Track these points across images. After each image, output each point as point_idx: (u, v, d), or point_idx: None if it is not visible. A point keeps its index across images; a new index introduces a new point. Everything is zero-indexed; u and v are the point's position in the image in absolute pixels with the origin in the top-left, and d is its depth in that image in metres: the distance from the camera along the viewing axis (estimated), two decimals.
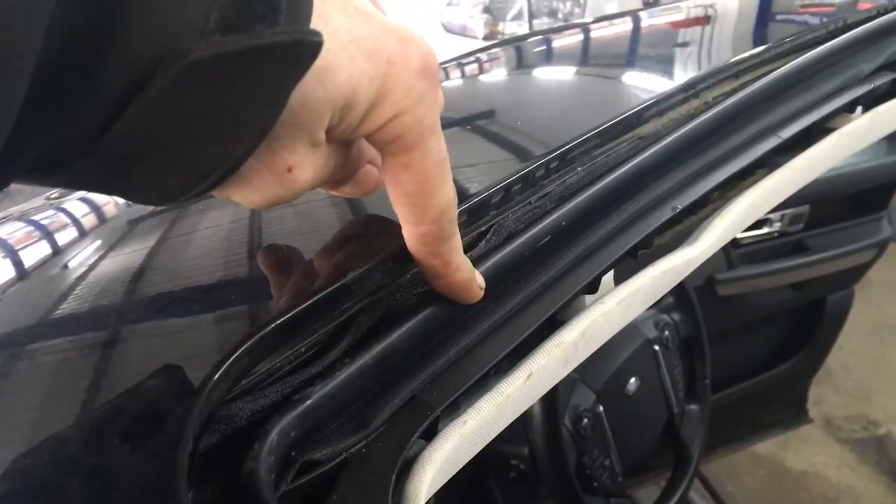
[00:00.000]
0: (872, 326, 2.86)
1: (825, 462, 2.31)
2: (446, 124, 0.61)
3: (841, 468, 2.29)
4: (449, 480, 0.41)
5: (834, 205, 1.71)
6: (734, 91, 0.62)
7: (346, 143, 0.36)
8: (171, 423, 0.30)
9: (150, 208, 0.55)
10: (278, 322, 0.34)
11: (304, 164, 0.32)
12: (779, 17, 0.97)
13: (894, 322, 2.93)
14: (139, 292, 0.43)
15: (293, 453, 0.34)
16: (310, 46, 0.26)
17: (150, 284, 0.43)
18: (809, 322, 1.86)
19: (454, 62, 0.82)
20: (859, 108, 0.73)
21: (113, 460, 0.29)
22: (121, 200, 0.59)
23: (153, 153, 0.26)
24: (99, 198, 0.59)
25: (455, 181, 0.36)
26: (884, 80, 0.73)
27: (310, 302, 0.36)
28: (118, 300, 0.42)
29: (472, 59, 0.85)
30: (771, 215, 1.62)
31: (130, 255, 0.48)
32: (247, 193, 0.32)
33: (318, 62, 0.27)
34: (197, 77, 0.24)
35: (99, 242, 0.52)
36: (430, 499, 0.39)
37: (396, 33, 0.31)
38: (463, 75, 0.80)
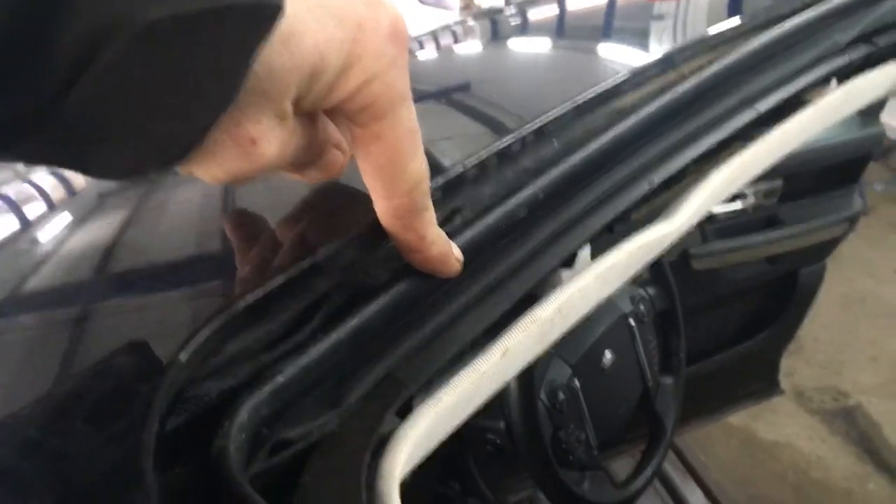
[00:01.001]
0: (843, 299, 2.90)
1: (796, 433, 2.34)
2: (421, 98, 0.60)
3: (812, 439, 2.33)
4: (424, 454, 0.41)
5: (807, 179, 1.72)
6: (711, 63, 0.61)
7: (313, 122, 0.35)
8: (136, 402, 0.29)
9: (120, 182, 0.53)
10: (247, 299, 0.33)
11: (269, 136, 0.31)
12: None
13: (865, 295, 2.97)
14: (105, 268, 0.41)
15: (264, 431, 0.33)
16: (270, 8, 0.25)
17: (117, 260, 0.42)
18: (782, 295, 1.88)
19: (429, 35, 0.81)
20: (834, 81, 0.73)
21: (76, 442, 0.28)
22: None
23: (111, 125, 0.25)
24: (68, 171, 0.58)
25: (429, 155, 0.36)
26: (859, 52, 0.73)
27: (281, 279, 0.35)
28: (83, 276, 0.41)
29: (447, 31, 0.83)
30: (745, 189, 1.62)
31: (97, 230, 0.47)
32: (209, 168, 0.31)
33: (284, 27, 0.26)
34: (153, 42, 0.23)
35: (65, 217, 0.51)
36: (405, 475, 0.38)
37: None
38: (438, 48, 0.79)
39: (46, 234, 0.48)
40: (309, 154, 0.36)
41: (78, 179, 0.57)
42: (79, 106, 0.23)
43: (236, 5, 0.24)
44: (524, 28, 0.86)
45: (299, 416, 0.35)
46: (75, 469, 0.27)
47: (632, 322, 1.20)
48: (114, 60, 0.22)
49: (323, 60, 0.29)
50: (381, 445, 0.36)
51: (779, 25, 0.66)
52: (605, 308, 1.17)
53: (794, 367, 2.52)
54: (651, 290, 1.28)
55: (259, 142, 0.30)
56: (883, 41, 0.76)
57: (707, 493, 1.89)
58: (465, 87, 0.62)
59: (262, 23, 0.25)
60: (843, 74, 0.73)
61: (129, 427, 0.28)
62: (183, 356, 0.30)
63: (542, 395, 1.06)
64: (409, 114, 0.33)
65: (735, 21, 0.68)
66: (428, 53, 0.75)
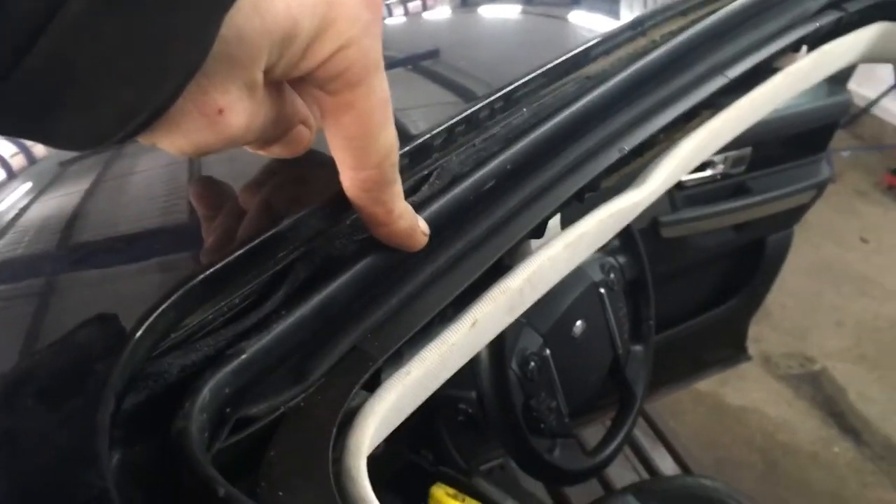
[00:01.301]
0: (810, 266, 2.94)
1: (763, 398, 2.38)
2: (389, 65, 0.59)
3: (778, 403, 2.37)
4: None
5: (775, 146, 1.73)
6: (682, 29, 0.61)
7: (281, 95, 0.34)
8: (91, 381, 0.28)
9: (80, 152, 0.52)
10: (208, 272, 0.32)
11: (237, 107, 0.29)
12: None
13: (831, 262, 3.01)
14: (63, 241, 0.40)
15: (227, 410, 0.32)
16: None
17: (76, 232, 0.41)
18: (750, 263, 1.90)
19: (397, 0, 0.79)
20: (804, 48, 0.73)
21: (28, 422, 0.27)
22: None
23: (71, 91, 0.24)
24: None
25: (397, 123, 0.35)
26: (829, 18, 0.73)
27: (242, 251, 0.34)
28: (38, 249, 0.39)
29: None
30: (714, 157, 1.63)
31: (54, 201, 0.45)
32: (174, 139, 0.29)
33: None
34: (114, 2, 0.22)
35: (20, 187, 0.49)
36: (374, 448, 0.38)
37: None
38: (405, 13, 0.77)
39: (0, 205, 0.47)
40: (276, 129, 0.35)
41: (37, 148, 0.55)
42: (37, 70, 0.22)
43: None
44: None
45: (263, 392, 0.34)
46: (27, 449, 0.27)
47: (602, 291, 1.20)
48: (73, 19, 0.21)
49: (295, 25, 0.28)
50: (348, 420, 0.36)
51: None
52: (576, 277, 1.17)
53: (762, 334, 2.56)
54: (621, 259, 1.28)
55: (226, 112, 0.29)
56: (852, 7, 0.76)
57: (676, 458, 1.92)
58: (433, 54, 0.60)
59: None
60: (813, 41, 0.73)
61: (83, 406, 0.27)
62: (140, 332, 0.29)
63: (514, 365, 1.07)
64: (382, 82, 0.33)
65: None
66: (395, 19, 0.74)
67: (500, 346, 1.02)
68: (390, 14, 0.74)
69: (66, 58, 0.22)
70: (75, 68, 0.23)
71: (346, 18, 0.29)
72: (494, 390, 1.05)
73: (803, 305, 2.77)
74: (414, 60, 0.59)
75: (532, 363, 1.08)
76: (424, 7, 0.80)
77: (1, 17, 0.21)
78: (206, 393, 0.30)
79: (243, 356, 0.33)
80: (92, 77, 0.24)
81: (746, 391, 2.39)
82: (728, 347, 2.12)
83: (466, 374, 1.08)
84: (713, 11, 0.63)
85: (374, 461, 0.35)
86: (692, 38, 0.60)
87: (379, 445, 0.37)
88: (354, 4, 0.30)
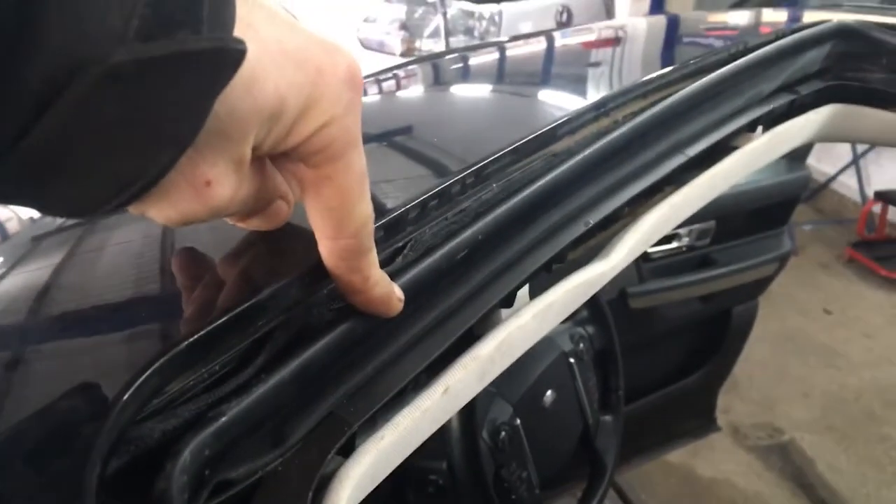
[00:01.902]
0: (776, 337, 2.98)
1: (733, 469, 2.38)
2: (365, 140, 0.61)
3: (748, 475, 2.37)
4: (368, 496, 0.41)
5: (738, 220, 1.78)
6: (643, 110, 0.64)
7: (263, 171, 0.36)
8: (78, 445, 0.29)
9: (56, 223, 0.53)
10: (190, 340, 0.33)
11: (224, 180, 0.31)
12: (685, 39, 1.01)
13: (796, 333, 3.06)
14: (45, 310, 0.41)
15: (207, 472, 0.33)
16: (233, 54, 0.26)
17: (57, 302, 0.42)
18: (716, 333, 1.92)
19: (371, 78, 0.82)
20: (759, 128, 0.76)
21: (16, 486, 0.28)
22: (26, 213, 0.56)
23: (71, 162, 0.25)
24: (2, 212, 0.57)
25: (372, 197, 0.36)
26: (782, 101, 0.77)
27: (223, 319, 0.35)
28: (21, 319, 0.40)
29: (388, 75, 0.85)
30: (679, 230, 1.67)
31: (35, 271, 0.46)
32: (163, 208, 0.31)
33: (246, 72, 0.27)
34: (116, 84, 0.23)
35: (4, 256, 0.50)
36: None
37: (322, 43, 0.32)
38: (380, 91, 0.80)
39: None
40: (257, 203, 0.37)
41: (12, 221, 0.56)
42: (40, 142, 0.23)
43: (199, 50, 0.24)
44: (464, 73, 0.89)
45: (242, 455, 0.35)
46: None
47: (572, 360, 1.22)
48: (76, 101, 0.23)
49: (283, 104, 0.30)
50: (323, 484, 0.36)
51: (707, 75, 0.69)
52: (546, 347, 1.19)
53: (730, 405, 2.58)
54: (590, 329, 1.30)
55: (214, 184, 0.31)
56: (805, 90, 0.80)
57: None
58: (406, 130, 0.63)
59: (224, 68, 0.26)
60: (768, 122, 0.77)
61: (70, 469, 0.28)
62: (126, 395, 0.30)
63: (484, 434, 1.07)
64: (360, 157, 0.35)
65: (667, 70, 0.71)
66: (371, 96, 0.76)
67: (470, 415, 1.03)
68: (369, 93, 0.77)
69: (67, 134, 0.24)
70: (76, 144, 0.24)
71: (329, 98, 0.32)
72: (465, 460, 1.05)
73: (770, 376, 2.80)
74: (390, 136, 0.62)
75: (503, 433, 1.08)
76: (398, 86, 0.83)
77: (9, 95, 0.22)
78: (186, 455, 0.31)
79: (223, 419, 0.34)
80: (90, 151, 0.25)
81: (717, 462, 2.39)
82: (697, 418, 2.13)
83: (437, 445, 1.08)
84: (672, 94, 0.66)
85: None
86: (653, 118, 0.64)
87: None
88: (338, 84, 0.32)
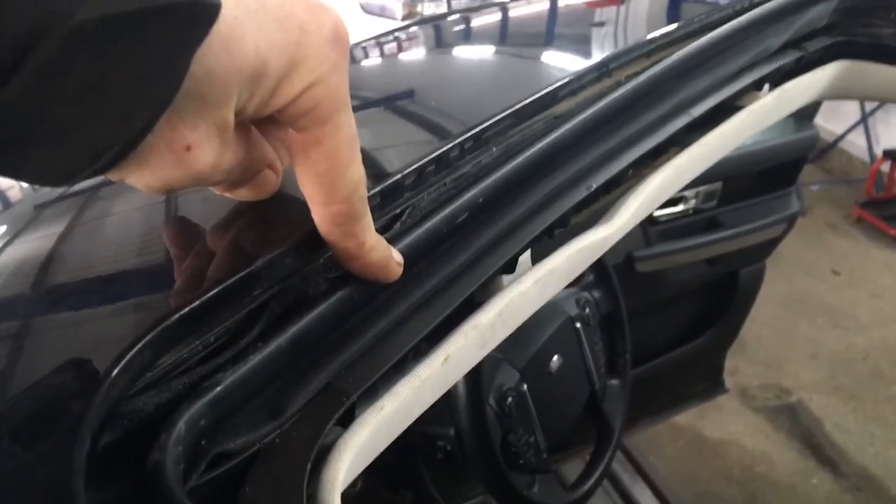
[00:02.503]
0: (783, 298, 2.97)
1: (741, 430, 2.39)
2: (363, 104, 0.60)
3: (756, 435, 2.38)
4: (376, 462, 0.41)
5: (745, 181, 1.76)
6: (646, 69, 0.62)
7: (249, 138, 0.35)
8: (67, 421, 0.28)
9: (54, 193, 0.52)
10: (182, 311, 0.33)
11: (205, 145, 0.30)
12: None
13: (803, 294, 3.05)
14: (36, 283, 0.40)
15: (203, 443, 0.33)
16: (206, 9, 0.25)
17: (48, 275, 0.41)
18: (724, 296, 1.91)
19: (370, 41, 0.80)
20: (766, 86, 0.75)
21: (4, 463, 0.28)
22: (24, 184, 0.56)
23: (43, 127, 0.25)
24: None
25: (368, 163, 0.36)
26: (789, 57, 0.75)
27: (216, 290, 0.34)
28: (11, 293, 0.40)
29: (387, 38, 0.83)
30: (686, 192, 1.65)
31: (24, 244, 0.46)
32: (142, 174, 0.30)
33: (224, 30, 0.26)
34: (84, 42, 0.22)
35: None
36: (356, 480, 0.38)
37: (305, 1, 0.30)
38: (380, 55, 0.79)
39: None
40: (244, 172, 0.36)
41: (12, 191, 0.56)
42: (9, 107, 0.23)
43: (169, 6, 0.23)
44: (464, 35, 0.87)
45: (239, 427, 0.35)
46: (3, 489, 0.27)
47: (578, 325, 1.21)
48: (45, 61, 0.22)
49: (265, 64, 0.29)
50: (322, 455, 0.36)
51: (712, 32, 0.68)
52: (552, 312, 1.18)
53: (738, 366, 2.58)
54: (596, 294, 1.29)
55: (194, 149, 0.30)
56: (812, 46, 0.79)
57: (656, 492, 1.91)
58: (404, 95, 0.62)
59: (196, 25, 0.25)
60: (775, 80, 0.75)
61: (59, 446, 0.28)
62: (115, 371, 0.29)
63: (491, 400, 1.07)
64: (349, 119, 0.34)
65: (671, 28, 0.69)
66: (370, 60, 0.75)
67: (477, 381, 1.03)
68: (366, 56, 0.76)
69: (37, 96, 0.23)
70: (46, 105, 0.24)
71: (314, 57, 0.31)
72: (472, 426, 1.05)
73: (778, 337, 2.79)
74: (389, 100, 0.60)
75: (509, 398, 1.08)
76: (397, 50, 0.82)
77: None
78: (181, 425, 0.31)
79: (218, 388, 0.33)
80: (62, 113, 0.24)
81: (724, 424, 2.40)
82: (705, 380, 2.13)
83: (444, 411, 1.08)
84: (676, 52, 0.65)
85: (353, 500, 0.35)
86: (656, 77, 0.62)
87: (357, 482, 0.37)
88: (322, 44, 0.31)
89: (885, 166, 3.75)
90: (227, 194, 0.39)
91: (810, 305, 2.99)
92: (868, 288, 3.11)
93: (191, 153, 0.30)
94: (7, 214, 0.53)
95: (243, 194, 0.39)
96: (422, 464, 1.42)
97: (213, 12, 0.25)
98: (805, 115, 1.85)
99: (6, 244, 0.47)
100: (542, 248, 0.53)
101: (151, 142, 0.28)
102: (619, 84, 0.61)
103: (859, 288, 3.11)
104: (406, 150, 0.49)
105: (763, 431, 2.39)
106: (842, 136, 4.14)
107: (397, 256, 0.41)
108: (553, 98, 0.57)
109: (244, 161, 0.35)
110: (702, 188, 1.66)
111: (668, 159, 0.64)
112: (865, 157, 4.05)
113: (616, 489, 1.91)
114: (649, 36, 0.67)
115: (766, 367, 2.66)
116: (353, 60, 0.67)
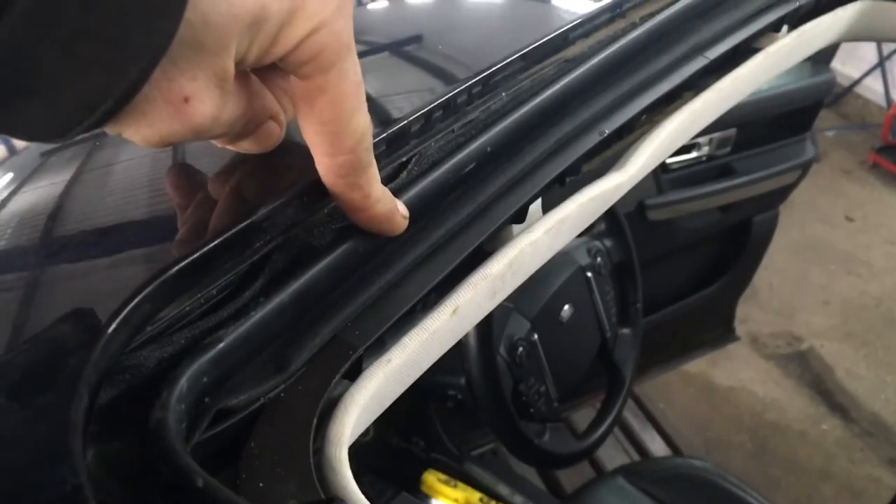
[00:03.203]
0: (796, 246, 2.95)
1: (752, 377, 2.40)
2: (368, 50, 0.58)
3: (766, 382, 2.38)
4: (388, 411, 0.40)
5: (760, 127, 1.73)
6: (661, 10, 0.60)
7: (250, 90, 0.34)
8: (64, 376, 0.28)
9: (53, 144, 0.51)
10: (183, 264, 0.32)
11: (204, 96, 0.29)
12: None
13: (816, 241, 3.02)
14: (35, 235, 0.40)
15: (206, 400, 0.32)
16: None
17: (46, 226, 0.40)
18: (736, 243, 1.90)
19: None
20: (785, 27, 0.72)
21: (0, 420, 0.27)
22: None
23: (33, 80, 0.23)
24: None
25: (374, 110, 0.34)
26: None
27: (217, 241, 0.33)
28: (8, 245, 0.39)
29: None
30: (699, 139, 1.63)
31: (22, 195, 0.45)
32: (140, 128, 0.29)
33: None
34: None
35: None
36: (368, 428, 0.38)
37: None
38: None
39: None
40: (246, 124, 0.35)
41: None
42: None
43: None
44: None
45: (243, 382, 0.34)
46: None
47: (589, 275, 1.21)
48: (29, 6, 0.21)
49: (264, 9, 0.28)
50: (329, 409, 0.35)
51: None
52: (563, 261, 1.17)
53: (749, 314, 2.57)
54: (608, 242, 1.28)
55: (193, 100, 0.29)
56: None
57: (667, 439, 1.93)
58: (410, 39, 0.60)
59: None
60: (794, 20, 0.73)
61: (56, 402, 0.27)
62: (113, 325, 0.28)
63: (502, 350, 1.07)
64: (354, 65, 0.32)
65: None
66: (375, 2, 0.73)
67: (487, 331, 1.02)
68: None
69: (24, 45, 0.22)
70: (35, 56, 0.23)
71: (316, 1, 0.29)
72: (483, 376, 1.05)
73: (790, 285, 2.78)
74: (394, 46, 0.59)
75: (520, 348, 1.08)
76: None
77: None
78: (183, 382, 0.30)
79: (221, 344, 0.32)
80: (53, 64, 0.23)
81: (735, 371, 2.40)
82: (716, 328, 2.14)
83: (456, 361, 1.09)
84: None
85: (365, 449, 0.34)
86: (671, 18, 0.60)
87: (368, 431, 0.37)
88: None
89: None
90: (230, 147, 0.38)
91: (823, 252, 2.97)
92: (882, 234, 3.08)
93: (189, 105, 0.28)
94: (9, 163, 0.52)
95: (246, 147, 0.37)
96: (433, 413, 1.43)
97: None
98: (822, 58, 1.81)
99: (8, 194, 0.46)
100: (553, 196, 0.52)
101: (148, 93, 0.27)
102: (632, 26, 0.59)
103: (873, 234, 3.09)
104: (413, 97, 0.47)
105: (774, 378, 2.40)
106: (858, 81, 4.06)
107: (402, 209, 0.40)
108: (564, 41, 0.55)
109: (246, 112, 0.33)
110: (715, 135, 1.64)
111: (683, 104, 0.62)
112: (882, 101, 3.97)
113: (627, 437, 1.93)
114: None
115: (777, 314, 2.65)
116: (358, 3, 0.65)
